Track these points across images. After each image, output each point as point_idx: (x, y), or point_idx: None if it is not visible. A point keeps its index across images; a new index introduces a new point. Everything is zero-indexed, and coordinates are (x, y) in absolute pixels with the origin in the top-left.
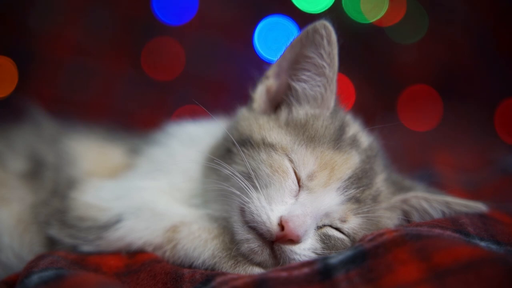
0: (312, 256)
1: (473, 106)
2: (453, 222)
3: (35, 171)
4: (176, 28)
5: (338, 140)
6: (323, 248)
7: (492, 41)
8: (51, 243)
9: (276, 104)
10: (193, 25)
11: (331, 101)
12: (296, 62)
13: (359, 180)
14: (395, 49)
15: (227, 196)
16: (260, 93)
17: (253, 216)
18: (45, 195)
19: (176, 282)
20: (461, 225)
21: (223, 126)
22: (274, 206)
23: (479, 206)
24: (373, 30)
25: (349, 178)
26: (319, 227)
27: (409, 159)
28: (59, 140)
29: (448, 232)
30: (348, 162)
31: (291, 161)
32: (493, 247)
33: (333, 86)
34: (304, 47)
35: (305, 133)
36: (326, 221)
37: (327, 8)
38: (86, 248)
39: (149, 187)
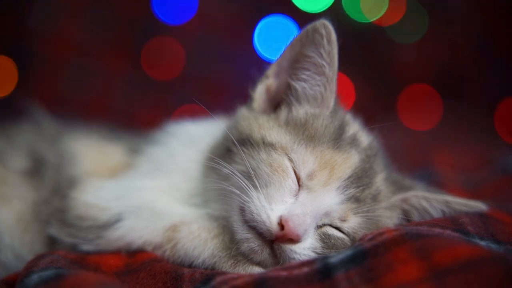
0: (312, 255)
1: (473, 106)
2: (453, 221)
3: (36, 169)
4: (176, 28)
5: (338, 139)
6: (323, 247)
7: (492, 41)
8: (52, 242)
9: (276, 103)
10: (193, 24)
11: (331, 100)
12: (296, 61)
13: (359, 179)
14: (395, 49)
15: (227, 196)
16: (260, 93)
17: (253, 215)
18: (46, 193)
19: (176, 282)
20: (461, 224)
21: (223, 125)
22: (274, 206)
23: (479, 206)
24: (373, 30)
25: (349, 177)
26: (319, 226)
27: (409, 159)
28: (59, 139)
29: (448, 231)
30: (348, 162)
31: (290, 160)
32: (493, 246)
33: (333, 86)
34: (304, 46)
35: (305, 132)
36: (326, 221)
37: (327, 7)
38: (86, 247)
39: (149, 186)
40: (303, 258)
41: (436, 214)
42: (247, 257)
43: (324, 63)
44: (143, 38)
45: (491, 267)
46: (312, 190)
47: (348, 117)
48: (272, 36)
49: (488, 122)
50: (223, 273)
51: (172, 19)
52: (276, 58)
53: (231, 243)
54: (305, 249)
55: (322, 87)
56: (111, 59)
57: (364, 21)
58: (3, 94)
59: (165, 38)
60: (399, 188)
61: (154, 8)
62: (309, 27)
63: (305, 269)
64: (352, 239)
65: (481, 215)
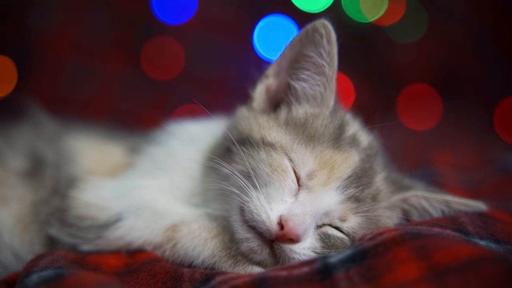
0: (312, 255)
1: (473, 105)
2: (452, 221)
3: (35, 169)
4: (176, 27)
5: (337, 139)
6: (322, 247)
7: (492, 41)
8: (51, 242)
9: (275, 103)
10: (192, 24)
11: (331, 100)
12: (296, 61)
13: (359, 179)
14: (395, 48)
15: (226, 195)
16: (259, 92)
17: (252, 215)
18: (46, 193)
19: (175, 281)
20: (460, 224)
21: (222, 125)
22: (274, 205)
23: (479, 205)
24: (373, 30)
25: (349, 177)
26: (319, 226)
27: (409, 158)
28: (59, 138)
29: (447, 231)
30: (348, 161)
31: (290, 160)
32: (493, 246)
33: (333, 85)
34: (303, 46)
35: (304, 132)
36: (326, 220)
37: (326, 7)
38: (86, 247)
39: (149, 186)
40: (303, 258)
41: (436, 213)
42: (247, 257)
43: (324, 63)
44: (143, 38)
45: (491, 266)
46: (312, 190)
47: (348, 117)
48: (271, 36)
49: (488, 121)
50: (223, 273)
51: (172, 19)
52: (276, 58)
53: (231, 243)
54: (305, 249)
55: (322, 87)
56: (111, 59)
57: (363, 21)
58: (3, 94)
59: (164, 38)
60: (399, 187)
61: (153, 8)
62: (309, 27)
63: (305, 269)
64: (352, 239)
65: (481, 214)
